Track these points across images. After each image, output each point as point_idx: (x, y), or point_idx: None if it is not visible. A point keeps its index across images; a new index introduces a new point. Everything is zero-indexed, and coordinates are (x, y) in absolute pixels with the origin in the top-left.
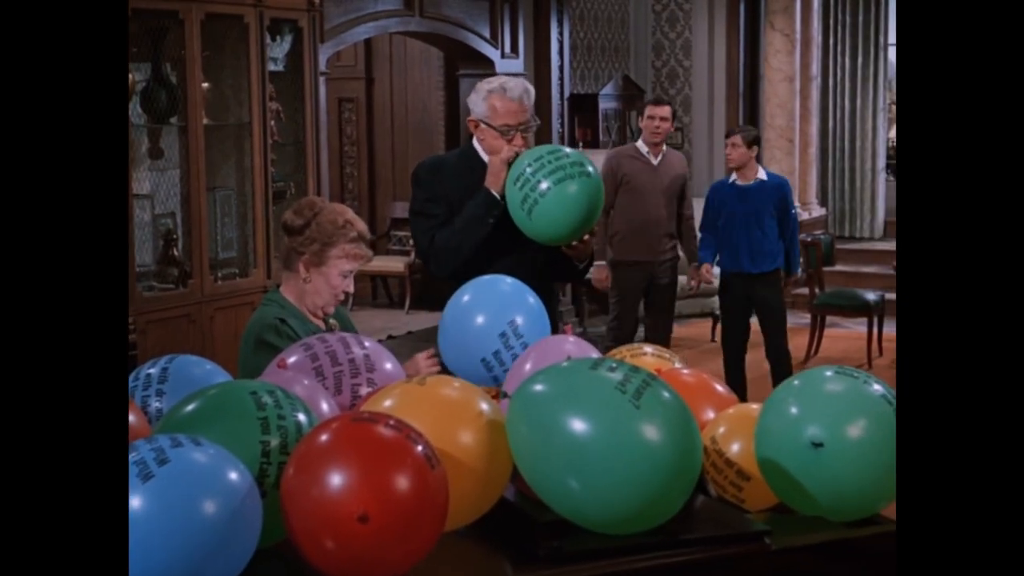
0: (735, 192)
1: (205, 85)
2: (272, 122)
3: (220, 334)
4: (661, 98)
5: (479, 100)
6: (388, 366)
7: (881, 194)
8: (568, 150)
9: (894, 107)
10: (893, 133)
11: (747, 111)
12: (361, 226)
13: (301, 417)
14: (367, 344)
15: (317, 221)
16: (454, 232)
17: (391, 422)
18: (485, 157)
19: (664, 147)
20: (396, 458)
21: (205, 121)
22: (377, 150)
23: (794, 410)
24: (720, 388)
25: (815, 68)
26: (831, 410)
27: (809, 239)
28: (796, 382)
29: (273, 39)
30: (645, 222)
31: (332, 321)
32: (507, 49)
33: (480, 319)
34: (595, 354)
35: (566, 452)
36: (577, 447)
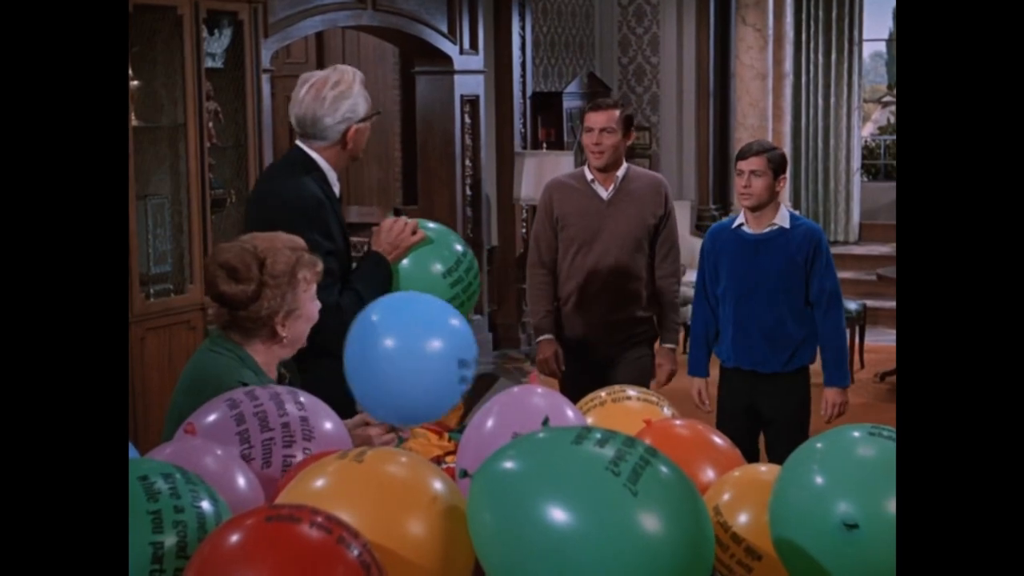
0: (741, 244)
1: (134, 83)
2: (210, 123)
3: (152, 357)
4: (603, 100)
5: (359, 97)
6: (328, 427)
7: (856, 196)
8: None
9: (868, 105)
10: (867, 132)
11: (718, 110)
12: (298, 240)
13: (205, 506)
14: (303, 400)
15: (269, 272)
16: (360, 300)
17: (318, 519)
18: (324, 166)
19: (623, 171)
20: (324, 569)
21: (134, 122)
22: None
23: (820, 481)
24: (720, 441)
25: (788, 65)
26: (866, 482)
27: None
28: (819, 445)
29: (211, 33)
30: (588, 282)
31: (283, 371)
32: (466, 45)
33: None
34: (569, 410)
35: (544, 548)
36: (558, 542)
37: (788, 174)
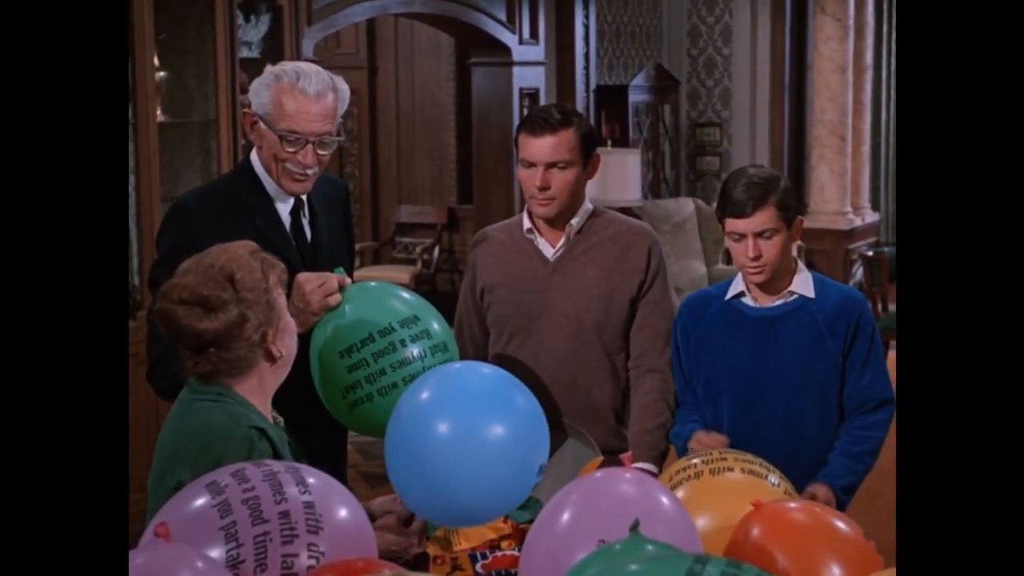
0: (740, 327)
1: (161, 74)
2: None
3: None
4: (545, 112)
5: (262, 87)
6: (342, 516)
7: None
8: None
9: None
10: None
11: (794, 105)
12: (249, 242)
13: None
14: (311, 480)
15: (241, 287)
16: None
17: None
18: (258, 168)
19: (582, 216)
20: None
21: (160, 118)
22: (381, 147)
23: None
24: (846, 529)
25: (869, 57)
26: None
27: (871, 253)
28: None
29: (246, 19)
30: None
31: (276, 415)
32: (526, 35)
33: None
34: (664, 497)
35: None
36: None
37: (867, 173)
